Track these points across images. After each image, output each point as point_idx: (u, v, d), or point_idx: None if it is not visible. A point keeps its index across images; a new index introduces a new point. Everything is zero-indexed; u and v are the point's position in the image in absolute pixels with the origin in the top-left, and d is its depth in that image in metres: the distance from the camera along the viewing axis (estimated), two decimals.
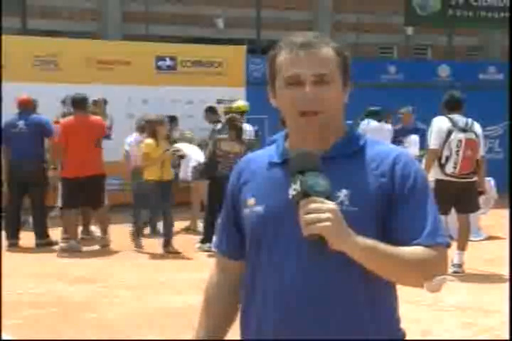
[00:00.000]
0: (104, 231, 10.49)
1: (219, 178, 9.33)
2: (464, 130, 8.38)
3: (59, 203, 11.04)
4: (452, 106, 8.64)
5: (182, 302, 7.37)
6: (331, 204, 1.98)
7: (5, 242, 10.25)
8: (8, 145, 10.34)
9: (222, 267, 2.42)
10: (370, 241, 2.05)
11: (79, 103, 10.39)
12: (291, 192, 2.02)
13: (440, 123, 8.51)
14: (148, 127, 10.01)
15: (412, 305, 6.65)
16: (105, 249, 10.29)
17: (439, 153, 8.34)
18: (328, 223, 1.95)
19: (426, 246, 2.13)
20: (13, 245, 10.34)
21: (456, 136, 8.33)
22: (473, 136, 8.41)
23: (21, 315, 6.98)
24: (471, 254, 9.04)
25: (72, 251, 10.07)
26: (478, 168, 8.46)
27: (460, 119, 8.49)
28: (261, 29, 17.85)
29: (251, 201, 2.25)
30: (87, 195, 10.23)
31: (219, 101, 14.16)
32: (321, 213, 1.96)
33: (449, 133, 8.35)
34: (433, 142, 8.42)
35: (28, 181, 10.31)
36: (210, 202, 9.94)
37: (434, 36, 21.86)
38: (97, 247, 10.39)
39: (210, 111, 12.93)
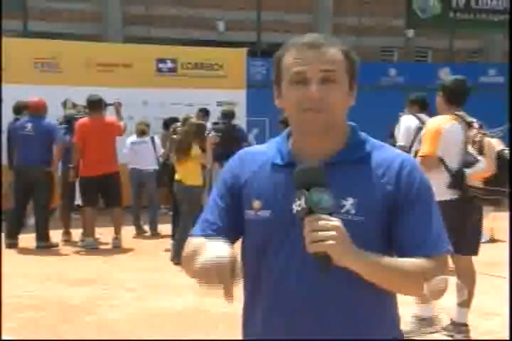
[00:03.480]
0: (118, 231, 10.56)
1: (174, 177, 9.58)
2: None
3: (78, 201, 11.10)
4: (421, 106, 8.96)
5: (182, 304, 7.37)
6: (336, 222, 1.99)
7: (4, 243, 10.27)
8: (16, 147, 10.37)
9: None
10: (373, 256, 2.06)
11: (94, 104, 10.50)
12: (296, 208, 2.02)
13: (409, 122, 8.91)
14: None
15: (412, 307, 6.64)
16: (105, 251, 10.31)
17: (408, 149, 8.44)
18: (333, 241, 1.97)
19: (428, 257, 2.14)
20: (12, 245, 10.35)
21: None
22: None
23: (21, 316, 6.98)
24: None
25: (89, 248, 10.34)
26: None
27: (427, 118, 8.64)
28: (261, 32, 17.87)
29: (256, 204, 2.23)
30: (104, 193, 10.50)
31: (219, 104, 14.18)
32: (326, 231, 1.97)
33: (418, 130, 8.48)
34: (401, 139, 8.84)
35: (33, 184, 10.33)
36: (173, 199, 10.19)
37: (435, 39, 21.88)
38: (98, 249, 10.42)
39: (203, 112, 12.98)
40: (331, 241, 1.96)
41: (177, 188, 9.53)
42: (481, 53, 23.66)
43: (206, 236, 2.22)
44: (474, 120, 6.20)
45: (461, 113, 6.22)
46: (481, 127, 6.18)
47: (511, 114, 15.07)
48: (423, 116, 8.89)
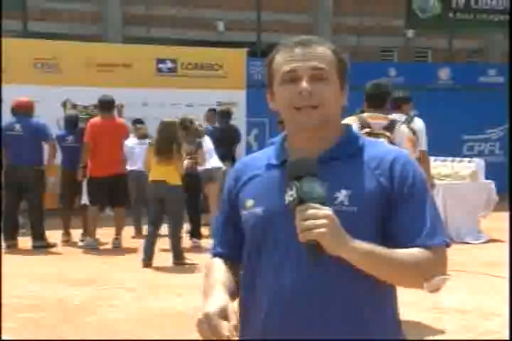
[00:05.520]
0: (119, 231, 10.58)
1: None
2: None
3: (84, 200, 11.06)
4: (392, 107, 8.81)
5: (182, 304, 7.37)
6: (326, 210, 2.00)
7: (3, 244, 10.27)
8: (6, 147, 10.37)
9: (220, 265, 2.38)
10: (367, 246, 2.06)
11: (106, 105, 10.58)
12: (288, 198, 2.03)
13: None
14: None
15: (412, 307, 6.65)
16: (105, 251, 10.31)
17: None
18: (323, 229, 1.97)
19: (424, 247, 2.13)
20: (12, 246, 10.36)
21: None
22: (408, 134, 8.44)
23: (21, 316, 6.98)
24: (471, 257, 9.05)
25: (89, 248, 10.36)
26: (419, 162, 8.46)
27: (399, 118, 8.49)
28: (261, 32, 17.86)
29: (250, 202, 2.25)
30: (112, 193, 10.50)
31: (219, 104, 14.18)
32: (317, 219, 1.98)
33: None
34: None
35: (24, 184, 10.33)
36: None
37: (435, 39, 21.87)
38: (98, 249, 10.42)
39: (212, 112, 13.07)
40: (321, 229, 1.97)
41: (159, 188, 9.41)
42: (481, 53, 23.66)
43: (219, 255, 2.37)
44: (377, 122, 6.23)
45: (367, 114, 6.29)
46: (386, 128, 6.22)
47: (511, 114, 15.10)
48: (395, 116, 8.57)
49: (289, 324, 2.16)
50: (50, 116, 12.12)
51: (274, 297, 2.18)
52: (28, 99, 10.63)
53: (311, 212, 1.98)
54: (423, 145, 8.57)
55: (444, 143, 12.74)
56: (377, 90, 6.55)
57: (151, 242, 9.42)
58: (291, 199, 2.02)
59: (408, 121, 8.46)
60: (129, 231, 11.34)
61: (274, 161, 2.27)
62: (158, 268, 9.21)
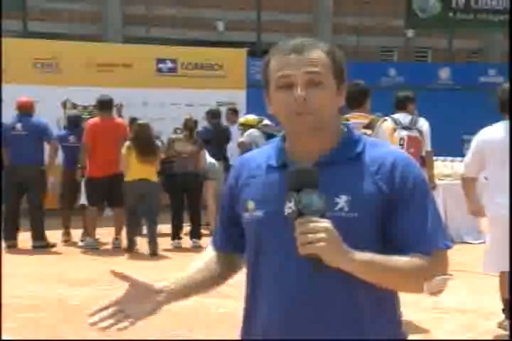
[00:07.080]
0: (118, 231, 10.57)
1: (173, 177, 10.28)
2: (407, 128, 8.40)
3: (83, 201, 11.05)
4: (397, 106, 8.81)
5: (182, 304, 7.35)
6: (325, 223, 2.00)
7: (3, 244, 10.27)
8: (8, 147, 10.36)
9: (214, 255, 2.48)
10: (366, 256, 2.06)
11: (105, 105, 10.61)
12: (287, 210, 2.04)
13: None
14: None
15: (412, 307, 6.64)
16: (105, 251, 10.31)
17: None
18: (323, 243, 1.98)
19: (425, 252, 2.13)
20: (12, 246, 10.36)
21: (400, 134, 8.34)
22: (416, 133, 8.42)
23: (21, 316, 6.98)
24: (471, 257, 9.03)
25: (89, 248, 10.39)
26: (424, 163, 8.47)
27: (404, 118, 8.51)
28: (261, 32, 17.88)
29: (251, 205, 2.25)
30: (110, 193, 10.49)
31: (219, 104, 14.18)
32: (316, 233, 1.98)
33: (393, 132, 8.37)
34: None
35: (25, 184, 10.33)
36: (171, 200, 10.72)
37: (435, 39, 21.89)
38: (98, 248, 10.42)
39: (232, 110, 13.26)
40: (320, 243, 1.98)
41: (143, 185, 9.91)
42: (481, 53, 23.67)
43: (215, 248, 2.50)
44: (358, 121, 6.31)
45: (349, 115, 6.40)
46: (366, 127, 6.32)
47: (511, 114, 15.07)
48: (400, 115, 8.52)
49: (289, 328, 2.17)
50: (50, 116, 12.11)
51: (274, 301, 2.18)
52: (26, 98, 10.60)
53: (310, 225, 1.99)
54: (428, 146, 8.59)
55: (444, 143, 12.71)
56: (353, 90, 6.58)
57: (135, 229, 10.12)
58: (290, 211, 2.03)
59: (414, 122, 8.48)
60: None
61: (273, 163, 2.27)
62: (158, 268, 9.21)
